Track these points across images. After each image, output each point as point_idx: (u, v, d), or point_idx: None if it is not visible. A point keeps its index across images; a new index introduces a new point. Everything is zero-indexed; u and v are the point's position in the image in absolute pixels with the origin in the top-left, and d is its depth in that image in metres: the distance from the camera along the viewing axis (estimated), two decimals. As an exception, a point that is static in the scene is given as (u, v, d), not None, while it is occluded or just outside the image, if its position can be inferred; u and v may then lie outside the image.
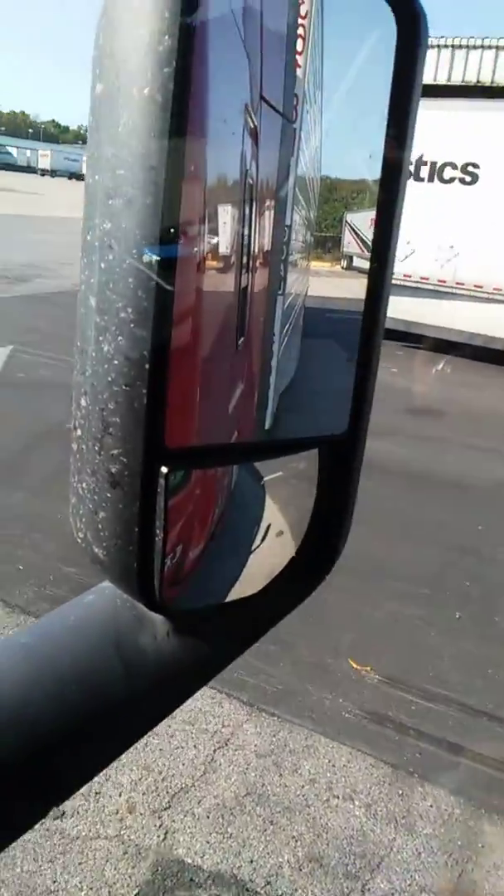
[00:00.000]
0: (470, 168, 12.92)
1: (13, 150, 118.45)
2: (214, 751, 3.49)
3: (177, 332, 0.42)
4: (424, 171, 13.39)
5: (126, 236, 0.41)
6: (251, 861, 2.91)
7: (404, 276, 13.78)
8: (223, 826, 3.07)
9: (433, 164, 13.25)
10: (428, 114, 12.78)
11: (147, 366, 0.42)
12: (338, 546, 0.62)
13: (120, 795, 3.18)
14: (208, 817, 3.11)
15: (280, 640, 4.24)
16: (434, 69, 13.40)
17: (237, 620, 0.61)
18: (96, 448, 0.45)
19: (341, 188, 0.57)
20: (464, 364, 13.13)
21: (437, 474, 7.47)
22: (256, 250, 0.50)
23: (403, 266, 13.73)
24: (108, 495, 0.46)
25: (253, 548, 0.60)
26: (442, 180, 13.24)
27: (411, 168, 13.45)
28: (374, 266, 0.55)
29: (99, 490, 0.46)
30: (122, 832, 3.00)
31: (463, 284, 13.18)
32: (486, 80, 13.05)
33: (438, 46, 13.34)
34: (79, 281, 0.44)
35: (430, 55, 13.34)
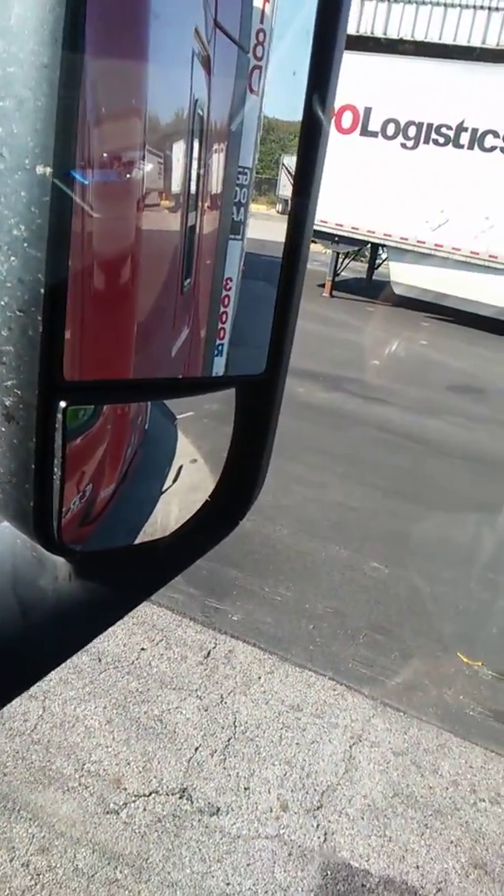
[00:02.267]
0: (515, 138, 12.61)
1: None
2: (350, 747, 3.46)
3: (81, 256, 0.39)
4: (464, 138, 13.07)
5: (18, 143, 0.37)
6: (417, 867, 2.90)
7: (436, 245, 13.57)
8: (380, 829, 3.05)
9: (474, 130, 12.92)
10: (474, 78, 12.45)
11: (42, 290, 0.39)
12: (253, 492, 0.60)
13: (269, 792, 3.14)
14: (363, 818, 3.09)
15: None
16: (482, 32, 12.97)
17: (142, 565, 0.59)
18: None
19: (279, 128, 0.54)
20: (492, 339, 13.05)
21: (493, 456, 7.43)
22: (208, 190, 0.47)
23: (435, 235, 13.51)
24: (2, 429, 0.43)
25: (164, 489, 0.57)
26: (483, 148, 12.92)
27: (451, 133, 13.12)
28: (296, 201, 0.51)
29: None
30: (280, 832, 2.97)
31: (497, 258, 12.99)
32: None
33: (486, 8, 12.90)
34: None
35: (472, 17, 12.89)
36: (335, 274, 15.46)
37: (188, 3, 0.43)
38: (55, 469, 0.44)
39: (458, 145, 13.14)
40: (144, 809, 2.96)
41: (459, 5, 13.27)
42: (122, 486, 0.54)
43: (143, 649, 3.84)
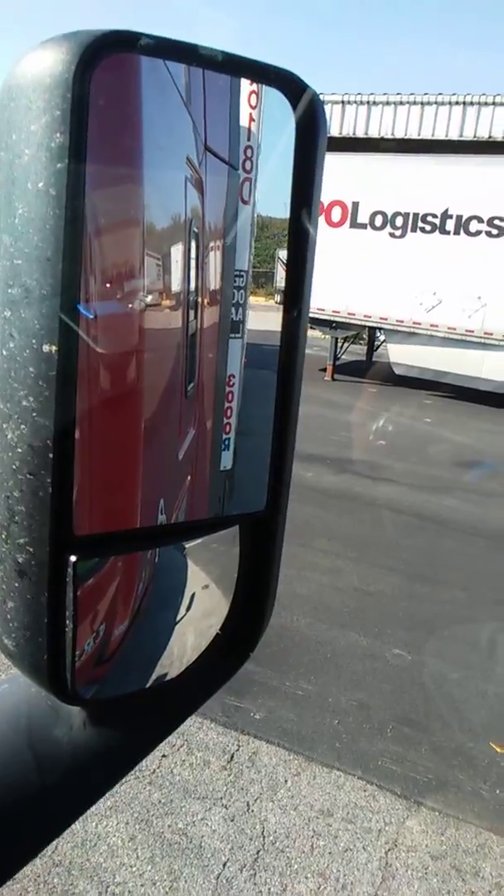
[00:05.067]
0: (497, 221, 13.12)
1: None
2: (386, 853, 3.29)
3: (84, 422, 0.43)
4: (450, 225, 13.61)
5: (26, 326, 0.41)
6: None
7: (431, 325, 13.92)
8: (425, 944, 2.86)
9: (459, 216, 13.47)
10: (454, 168, 13.08)
11: (50, 454, 0.42)
12: (262, 623, 0.62)
13: (304, 909, 2.96)
14: (405, 934, 2.90)
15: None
16: (459, 125, 13.70)
17: (157, 707, 0.59)
18: (3, 536, 0.45)
19: (273, 226, 0.57)
20: (495, 413, 13.16)
21: (508, 532, 7.36)
22: (205, 310, 0.50)
23: (430, 316, 13.87)
24: (16, 585, 0.45)
25: (178, 618, 0.58)
26: (468, 233, 13.43)
27: (436, 221, 13.66)
28: (287, 317, 0.53)
29: (6, 579, 0.45)
30: None
31: (492, 334, 13.28)
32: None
33: (461, 103, 13.68)
34: None
35: (448, 112, 13.64)
36: (336, 358, 15.80)
37: (179, 137, 0.48)
38: (67, 622, 0.45)
39: (444, 231, 13.67)
40: (173, 935, 2.79)
41: (436, 102, 14.09)
42: (135, 622, 0.55)
43: (164, 756, 3.72)
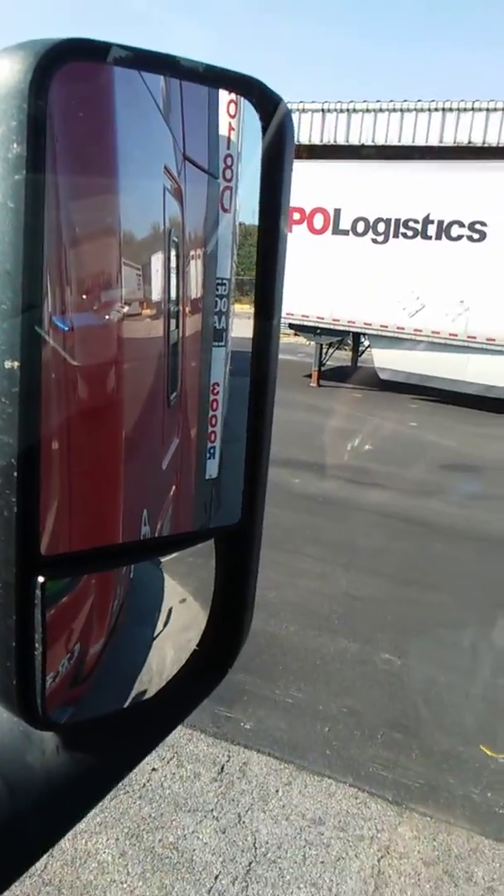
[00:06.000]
0: (477, 226, 13.22)
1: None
2: (379, 860, 3.27)
3: (58, 436, 0.42)
4: (432, 230, 13.69)
5: None
6: None
7: (415, 330, 13.98)
8: None
9: (440, 222, 13.55)
10: (435, 175, 13.17)
11: (15, 473, 0.41)
12: (240, 637, 0.60)
13: (297, 920, 2.94)
14: (399, 942, 2.88)
15: None
16: (438, 131, 13.81)
17: (134, 728, 0.58)
18: None
19: (255, 233, 0.57)
20: (479, 416, 13.23)
21: (496, 534, 7.38)
22: (186, 320, 0.50)
23: (413, 321, 13.93)
24: None
25: (155, 634, 0.57)
26: (450, 238, 13.52)
27: (418, 227, 13.73)
28: (260, 325, 0.53)
29: None
30: None
31: (475, 338, 13.36)
32: (484, 140, 13.46)
33: (441, 110, 13.81)
34: None
35: (427, 119, 13.75)
36: (321, 364, 15.83)
37: (156, 147, 0.47)
38: (36, 645, 0.44)
39: (426, 237, 13.75)
40: None
41: (415, 109, 14.20)
42: (111, 640, 0.54)
43: (154, 769, 3.69)
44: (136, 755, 0.61)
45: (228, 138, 0.50)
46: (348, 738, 4.07)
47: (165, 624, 0.58)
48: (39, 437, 0.41)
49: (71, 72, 0.40)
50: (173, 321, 0.49)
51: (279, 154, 0.51)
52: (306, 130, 15.04)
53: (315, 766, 3.83)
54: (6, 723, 0.52)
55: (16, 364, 0.40)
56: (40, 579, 0.43)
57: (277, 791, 3.64)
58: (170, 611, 0.58)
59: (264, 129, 0.50)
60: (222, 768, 3.76)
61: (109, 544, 0.49)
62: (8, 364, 0.40)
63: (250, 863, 3.19)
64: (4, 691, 0.46)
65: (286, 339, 21.61)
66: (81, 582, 0.49)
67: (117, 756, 0.58)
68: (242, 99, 0.50)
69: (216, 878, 3.09)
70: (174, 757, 3.79)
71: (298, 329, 15.99)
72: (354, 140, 14.86)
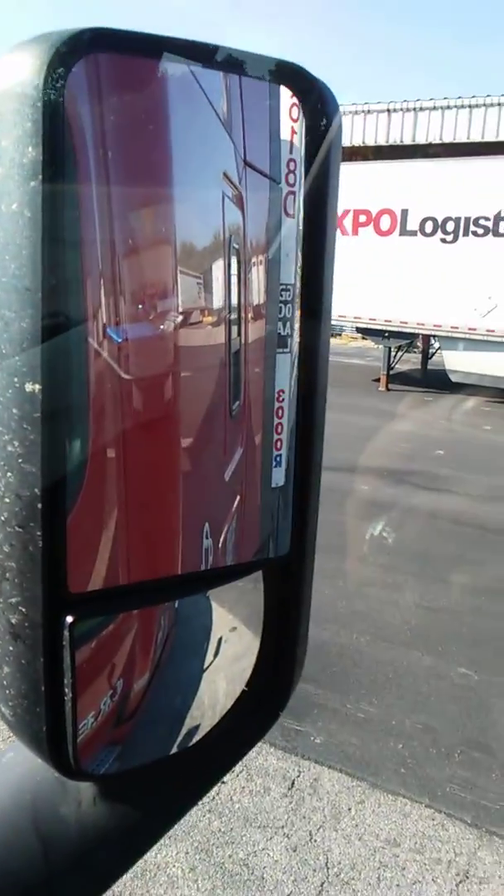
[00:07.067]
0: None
1: None
2: (457, 885, 3.13)
3: (97, 461, 0.39)
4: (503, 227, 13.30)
5: (6, 362, 0.37)
6: None
7: (487, 330, 13.59)
8: None
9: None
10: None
11: (39, 504, 0.38)
12: (292, 676, 0.56)
13: None
14: None
15: None
16: (483, 128, 13.43)
17: (178, 776, 0.53)
18: None
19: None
20: None
21: None
22: (249, 331, 0.47)
23: (486, 321, 13.56)
24: (11, 648, 0.41)
25: (205, 666, 0.53)
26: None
27: (489, 224, 13.37)
28: (307, 325, 0.49)
29: (1, 643, 0.41)
30: None
31: None
32: None
33: (484, 106, 13.51)
34: None
35: (497, 113, 13.40)
36: (389, 368, 15.57)
37: (213, 153, 0.45)
38: (66, 689, 0.41)
39: (498, 234, 13.35)
40: None
41: (484, 105, 13.87)
42: (157, 674, 0.51)
43: (223, 782, 3.64)
44: (180, 807, 0.56)
45: (291, 142, 0.49)
46: (424, 756, 3.92)
47: (216, 654, 0.54)
48: (65, 468, 0.39)
49: (93, 65, 0.36)
50: (235, 329, 0.47)
51: (328, 151, 0.49)
52: (371, 131, 14.90)
53: (389, 784, 3.71)
54: (39, 770, 0.49)
55: (37, 387, 0.36)
56: (69, 619, 0.40)
57: (350, 809, 3.53)
58: (220, 640, 0.54)
59: (311, 125, 0.48)
60: (293, 784, 3.69)
61: (145, 580, 0.45)
62: (29, 387, 0.37)
63: (322, 883, 3.10)
64: (35, 738, 0.43)
65: (354, 342, 21.39)
66: (112, 627, 0.45)
67: (159, 808, 0.54)
68: (300, 101, 0.47)
69: (287, 898, 3.02)
70: (243, 770, 3.73)
71: (366, 333, 15.79)
72: (421, 139, 14.62)
